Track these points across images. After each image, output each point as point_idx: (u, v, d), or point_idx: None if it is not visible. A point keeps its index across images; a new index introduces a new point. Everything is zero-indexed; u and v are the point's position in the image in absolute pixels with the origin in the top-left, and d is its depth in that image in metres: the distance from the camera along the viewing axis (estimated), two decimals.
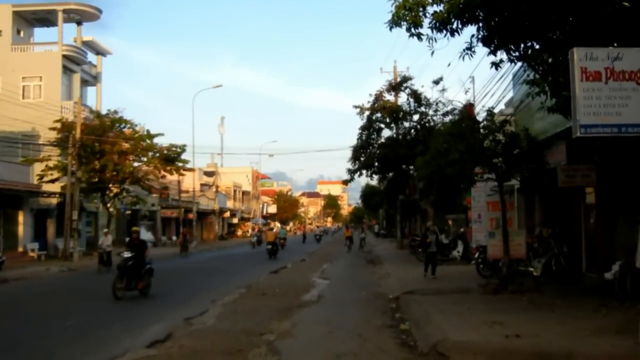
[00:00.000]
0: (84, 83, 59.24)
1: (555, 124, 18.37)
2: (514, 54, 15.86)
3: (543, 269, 21.51)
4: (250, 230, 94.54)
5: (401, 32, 14.70)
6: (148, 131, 51.70)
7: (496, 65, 16.70)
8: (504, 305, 16.50)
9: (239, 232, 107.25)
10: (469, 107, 21.67)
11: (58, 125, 45.77)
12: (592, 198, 20.40)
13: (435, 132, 21.11)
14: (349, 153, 43.42)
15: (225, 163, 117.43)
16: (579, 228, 21.68)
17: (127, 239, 25.97)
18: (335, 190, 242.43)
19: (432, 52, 15.75)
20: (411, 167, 43.12)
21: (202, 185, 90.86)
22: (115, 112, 50.84)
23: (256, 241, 65.11)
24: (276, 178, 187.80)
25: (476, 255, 25.24)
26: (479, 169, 20.61)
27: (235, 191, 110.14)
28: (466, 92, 20.02)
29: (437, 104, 37.09)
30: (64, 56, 53.17)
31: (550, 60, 14.79)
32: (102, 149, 46.85)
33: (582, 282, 20.57)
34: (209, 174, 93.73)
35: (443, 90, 37.41)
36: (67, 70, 54.43)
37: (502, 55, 16.07)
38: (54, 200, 48.66)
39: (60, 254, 44.24)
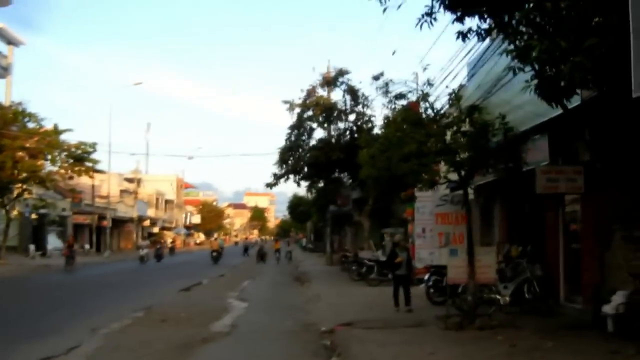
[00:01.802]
0: None
1: (536, 113, 14.35)
2: (487, 20, 11.81)
3: (512, 297, 17.30)
4: (140, 240, 69.53)
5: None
6: (55, 126, 46.23)
7: (463, 35, 12.56)
8: (476, 349, 12.37)
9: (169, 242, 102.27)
10: (413, 105, 17.15)
11: None
12: (575, 207, 16.52)
13: (386, 121, 16.62)
14: (274, 165, 38.21)
15: (151, 171, 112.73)
16: (555, 245, 17.70)
17: None
18: (263, 202, 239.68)
19: (385, 10, 11.80)
20: (343, 174, 39.01)
21: (122, 191, 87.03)
22: (20, 104, 45.67)
23: (146, 255, 53.18)
24: (202, 188, 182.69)
25: (426, 277, 20.99)
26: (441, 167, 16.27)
27: (157, 199, 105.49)
28: (424, 69, 15.53)
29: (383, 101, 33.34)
30: None
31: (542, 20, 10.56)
32: (1, 144, 41.50)
33: (561, 313, 16.55)
34: (130, 180, 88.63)
35: (386, 86, 33.49)
36: None
37: (472, 22, 12.05)
38: None
39: None
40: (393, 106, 16.35)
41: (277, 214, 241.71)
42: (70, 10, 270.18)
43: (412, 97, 15.97)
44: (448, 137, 15.28)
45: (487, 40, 14.21)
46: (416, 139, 14.55)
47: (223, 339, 14.92)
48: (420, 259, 25.72)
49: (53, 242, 60.76)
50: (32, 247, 52.38)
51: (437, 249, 22.48)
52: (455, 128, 15.10)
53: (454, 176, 15.97)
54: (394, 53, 32.17)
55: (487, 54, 16.49)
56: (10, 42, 56.48)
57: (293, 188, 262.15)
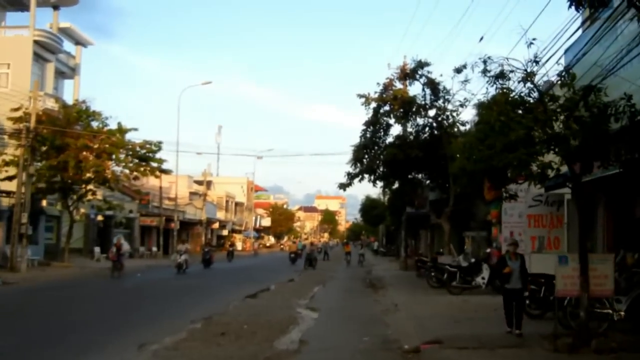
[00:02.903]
0: (60, 75, 52.90)
1: None
2: None
3: (627, 312, 14.63)
4: (179, 245, 48.67)
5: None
6: (119, 124, 44.77)
7: (577, 2, 10.16)
8: None
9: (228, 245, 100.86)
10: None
11: (16, 114, 38.95)
12: None
13: (483, 105, 13.96)
14: (347, 164, 35.56)
15: (221, 173, 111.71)
16: None
17: None
18: (333, 205, 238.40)
19: None
20: (421, 174, 36.47)
21: (192, 193, 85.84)
22: (84, 102, 44.35)
23: (184, 262, 41.29)
24: (273, 191, 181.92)
25: None
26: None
27: (227, 201, 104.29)
28: (529, 44, 13.03)
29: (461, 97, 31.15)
30: (36, 42, 46.43)
31: None
32: (65, 143, 40.12)
33: None
34: (200, 182, 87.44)
35: (465, 81, 30.91)
36: (39, 59, 47.74)
37: None
38: (6, 201, 41.56)
39: (9, 264, 37.18)
40: (493, 87, 13.69)
41: (347, 217, 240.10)
42: (142, 17, 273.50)
43: (515, 78, 13.39)
44: (557, 124, 12.82)
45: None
46: (524, 124, 12.08)
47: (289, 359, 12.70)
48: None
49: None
50: (97, 249, 50.98)
51: (528, 255, 19.99)
52: (567, 112, 12.60)
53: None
54: (481, 39, 29.68)
55: (607, 25, 13.85)
56: (78, 42, 55.31)
57: (365, 191, 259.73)
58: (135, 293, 28.00)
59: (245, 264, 56.05)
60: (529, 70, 13.12)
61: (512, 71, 13.44)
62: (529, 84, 13.21)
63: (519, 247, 16.26)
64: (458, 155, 16.40)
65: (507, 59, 13.39)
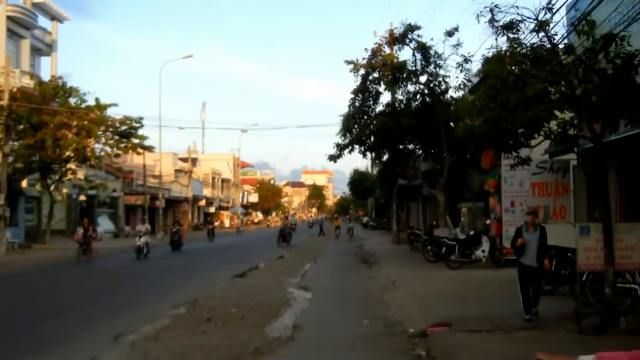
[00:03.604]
0: (37, 52, 51.61)
1: None
2: None
3: None
4: (138, 225, 41.85)
5: None
6: (97, 100, 43.11)
7: None
8: None
9: (216, 222, 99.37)
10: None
11: None
12: None
13: (492, 59, 12.41)
14: (335, 136, 33.69)
15: (207, 150, 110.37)
16: None
17: None
18: (321, 180, 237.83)
19: None
20: (413, 143, 34.99)
21: (177, 171, 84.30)
22: (60, 78, 42.71)
23: (145, 245, 35.39)
24: (259, 167, 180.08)
25: None
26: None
27: (214, 178, 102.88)
28: None
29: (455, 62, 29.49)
30: (9, 18, 44.97)
31: None
32: (42, 121, 38.51)
33: None
34: (185, 159, 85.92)
35: (457, 45, 29.46)
36: (13, 35, 46.38)
37: None
38: None
39: None
40: (501, 38, 12.23)
41: (335, 192, 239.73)
42: None
43: (527, 28, 11.96)
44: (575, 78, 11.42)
45: None
46: (541, 77, 10.65)
47: (283, 349, 11.33)
48: (508, 238, 22.07)
49: (104, 224, 57.96)
50: (80, 229, 49.53)
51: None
52: (587, 65, 11.19)
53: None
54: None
55: None
56: (54, 17, 53.50)
57: (352, 165, 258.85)
58: (113, 276, 26.33)
59: (227, 242, 53.56)
60: (540, 18, 11.72)
61: (521, 21, 12.05)
62: (542, 34, 11.80)
63: (536, 216, 14.40)
64: (464, 115, 14.88)
65: (517, 7, 11.99)
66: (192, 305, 16.19)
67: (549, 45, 11.82)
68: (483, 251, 24.97)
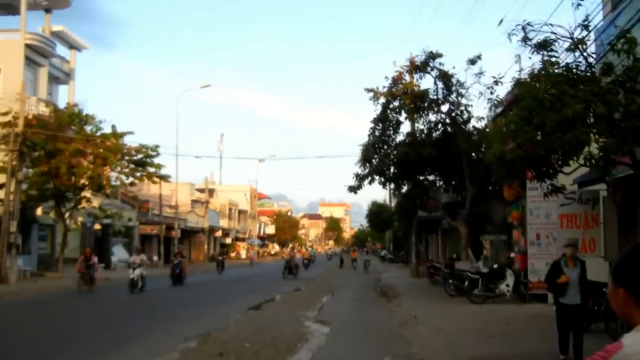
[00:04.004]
0: (55, 80, 51.30)
1: None
2: None
3: None
4: (132, 257, 35.26)
5: None
6: (113, 127, 42.60)
7: None
8: None
9: (233, 254, 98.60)
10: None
11: (5, 118, 36.96)
12: None
13: (523, 82, 11.54)
14: (354, 165, 32.79)
15: (224, 181, 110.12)
16: None
17: None
18: (338, 212, 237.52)
19: None
20: (431, 177, 34.29)
21: (194, 201, 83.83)
22: (75, 105, 42.34)
23: (138, 278, 31.45)
24: (276, 199, 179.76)
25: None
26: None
27: (230, 209, 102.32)
28: (577, 4, 10.86)
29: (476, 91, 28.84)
30: (28, 46, 44.51)
31: None
32: (57, 148, 38.04)
33: None
34: (202, 190, 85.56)
35: (480, 73, 28.81)
36: (31, 63, 45.87)
37: None
38: None
39: None
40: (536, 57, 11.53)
41: (352, 224, 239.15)
42: (140, 26, 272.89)
43: (560, 47, 11.25)
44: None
45: None
46: (580, 97, 9.86)
47: None
48: (534, 271, 21.58)
49: (119, 253, 57.47)
50: (94, 258, 48.93)
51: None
52: (628, 85, 10.43)
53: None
54: (500, 22, 27.68)
55: None
56: (72, 46, 53.36)
57: (369, 198, 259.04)
58: (124, 306, 25.63)
59: (236, 275, 51.01)
60: (576, 37, 11.00)
61: (555, 40, 11.33)
62: (577, 53, 11.07)
63: (578, 249, 13.18)
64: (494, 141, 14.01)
65: (551, 24, 11.28)
66: (204, 339, 15.40)
67: (585, 65, 11.09)
68: (507, 285, 24.07)
